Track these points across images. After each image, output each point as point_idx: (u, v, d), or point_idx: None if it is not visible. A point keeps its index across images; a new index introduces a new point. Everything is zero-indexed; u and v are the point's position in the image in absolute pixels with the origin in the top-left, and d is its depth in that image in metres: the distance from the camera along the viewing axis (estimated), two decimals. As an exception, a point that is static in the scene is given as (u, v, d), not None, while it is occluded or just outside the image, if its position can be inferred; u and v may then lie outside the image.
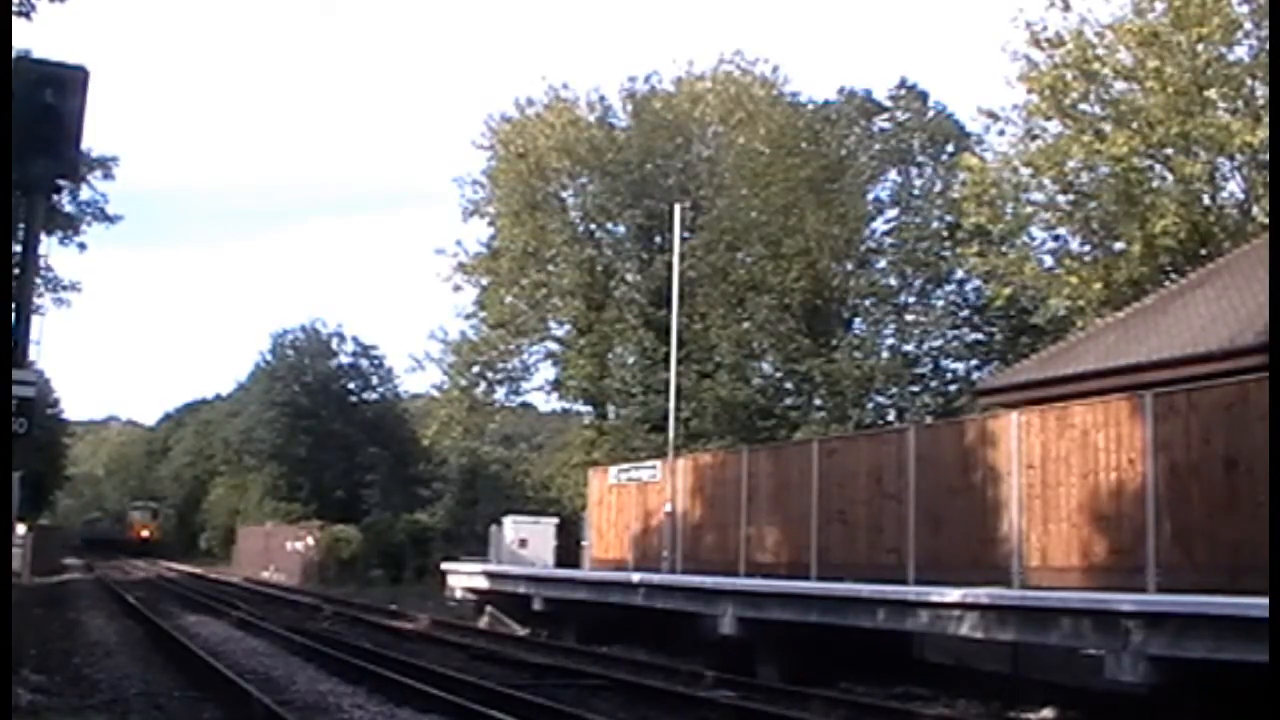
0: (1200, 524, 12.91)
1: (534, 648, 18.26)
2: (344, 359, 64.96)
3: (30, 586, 27.41)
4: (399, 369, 63.54)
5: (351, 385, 64.40)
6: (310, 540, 44.86)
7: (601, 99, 42.02)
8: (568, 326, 41.54)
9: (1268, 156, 24.48)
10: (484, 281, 42.62)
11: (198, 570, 49.09)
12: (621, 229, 40.95)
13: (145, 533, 79.85)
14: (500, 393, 43.51)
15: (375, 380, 64.92)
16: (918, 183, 37.07)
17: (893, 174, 37.57)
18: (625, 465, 26.87)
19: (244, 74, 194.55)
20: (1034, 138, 29.40)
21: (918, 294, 36.28)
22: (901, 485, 17.05)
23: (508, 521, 29.82)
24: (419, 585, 33.89)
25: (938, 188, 35.84)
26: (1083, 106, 28.12)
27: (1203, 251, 25.55)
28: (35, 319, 10.49)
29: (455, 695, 10.60)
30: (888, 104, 37.78)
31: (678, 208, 29.54)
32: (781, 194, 35.04)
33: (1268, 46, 24.88)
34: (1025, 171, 29.30)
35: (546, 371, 42.94)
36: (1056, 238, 30.65)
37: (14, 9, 16.94)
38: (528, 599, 21.31)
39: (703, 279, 35.32)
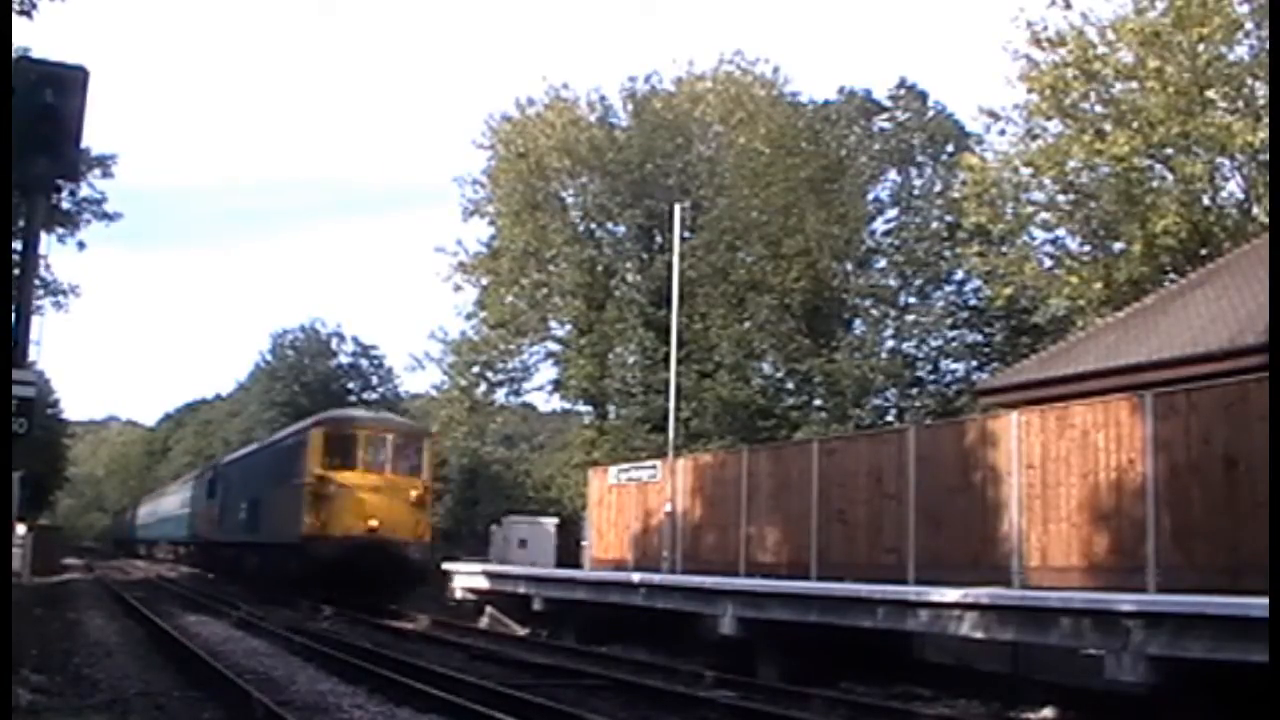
0: (1200, 524, 12.91)
1: (534, 648, 18.25)
2: (344, 359, 64.96)
3: (30, 586, 27.38)
4: (399, 369, 63.60)
5: (351, 385, 64.32)
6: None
7: (602, 99, 42.08)
8: (568, 326, 41.53)
9: (1268, 156, 24.49)
10: (484, 281, 42.63)
11: (196, 569, 48.96)
12: (622, 229, 40.96)
13: (374, 520, 24.25)
14: (501, 393, 43.53)
15: (375, 380, 64.92)
16: (918, 183, 37.08)
17: (893, 174, 37.60)
18: (625, 465, 26.89)
19: (244, 74, 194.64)
20: (1034, 137, 29.42)
21: (918, 294, 36.28)
22: (901, 485, 17.06)
23: (508, 521, 29.83)
24: (419, 585, 33.81)
25: (938, 188, 35.86)
26: (1083, 106, 28.13)
27: (1203, 251, 25.57)
28: (35, 319, 10.48)
29: (455, 695, 10.59)
30: (888, 104, 37.81)
31: (678, 208, 29.55)
32: (781, 194, 35.04)
33: (1268, 46, 24.90)
34: (1025, 171, 29.32)
35: (547, 371, 42.98)
36: (1056, 238, 30.69)
37: (14, 8, 16.95)
38: (528, 599, 21.29)
39: (703, 279, 35.31)
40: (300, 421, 30.81)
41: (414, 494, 24.83)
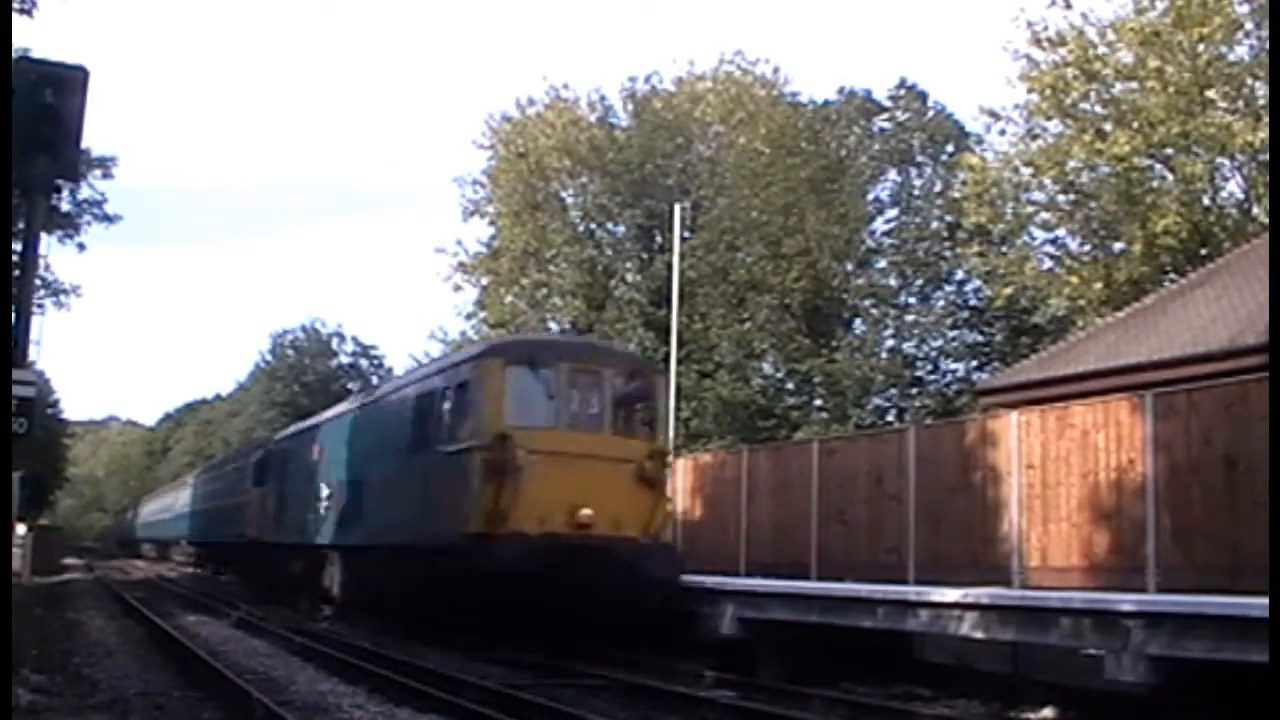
0: (1200, 524, 12.90)
1: (533, 648, 18.23)
2: (344, 359, 65.33)
3: (30, 586, 27.38)
4: (399, 369, 63.65)
5: (352, 385, 64.48)
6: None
7: (602, 99, 42.15)
8: (568, 326, 41.55)
9: (1268, 156, 24.51)
10: (484, 281, 42.70)
11: (197, 569, 48.95)
12: (621, 229, 41.00)
13: (588, 508, 15.05)
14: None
15: (375, 380, 65.05)
16: (918, 183, 37.09)
17: (893, 174, 37.61)
18: (625, 465, 26.78)
19: (244, 74, 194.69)
20: (1035, 137, 29.48)
21: (918, 294, 36.30)
22: (901, 485, 17.05)
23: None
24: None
25: (938, 188, 35.87)
26: (1083, 106, 28.18)
27: (1203, 251, 25.61)
28: (35, 319, 10.50)
29: (455, 695, 10.60)
30: (887, 104, 37.83)
31: (678, 208, 29.56)
32: (781, 194, 35.06)
33: (1268, 46, 24.92)
34: (1026, 171, 29.37)
35: (547, 372, 42.87)
36: (1057, 238, 30.73)
37: (15, 7, 16.98)
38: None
39: (703, 279, 35.32)
40: (451, 353, 19.23)
41: (645, 465, 15.98)
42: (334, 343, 65.41)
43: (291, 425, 32.38)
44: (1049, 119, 28.79)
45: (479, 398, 15.69)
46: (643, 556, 15.31)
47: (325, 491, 22.66)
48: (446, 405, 16.80)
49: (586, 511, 15.04)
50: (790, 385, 36.25)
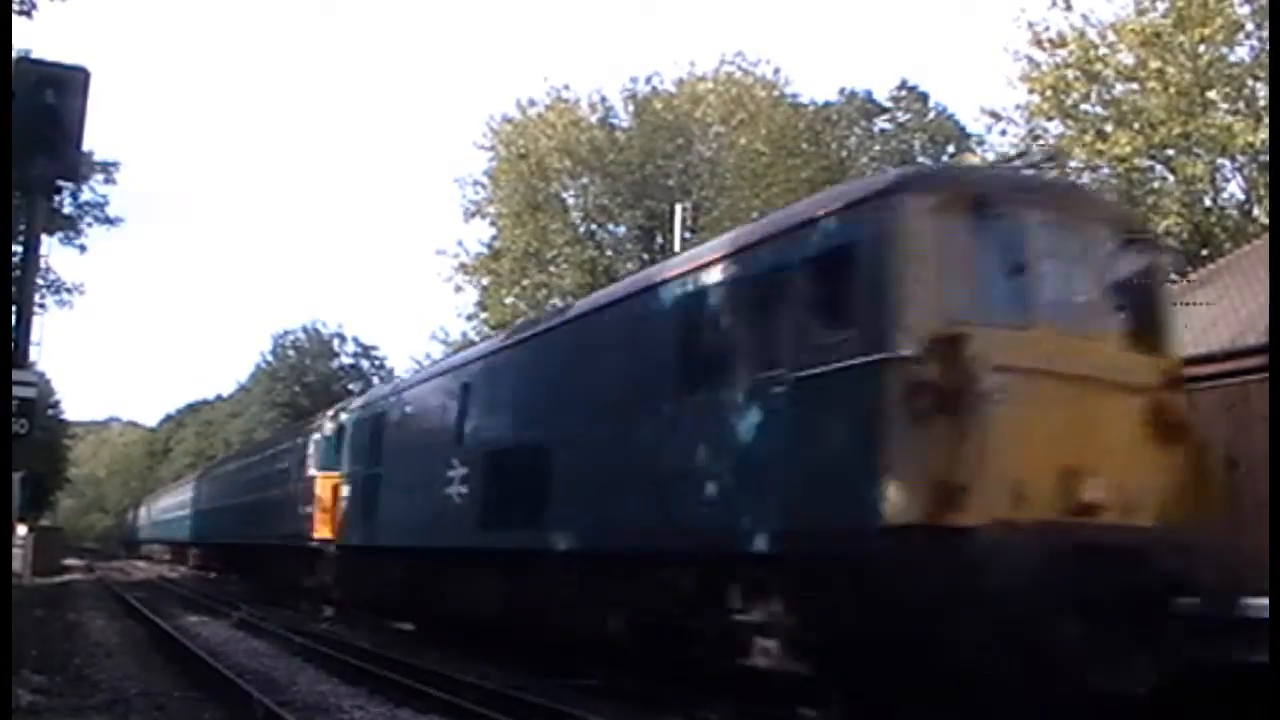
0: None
1: (533, 648, 18.20)
2: (345, 360, 65.34)
3: (31, 587, 27.40)
4: (400, 370, 63.66)
5: (353, 386, 64.54)
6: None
7: (603, 100, 42.13)
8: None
9: (1269, 157, 24.51)
10: (485, 282, 42.70)
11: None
12: (622, 229, 41.02)
13: (1096, 484, 8.22)
14: (502, 394, 43.43)
15: (377, 381, 65.11)
16: (919, 184, 37.15)
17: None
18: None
19: (246, 74, 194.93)
20: (1036, 138, 29.45)
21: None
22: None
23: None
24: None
25: (939, 189, 35.93)
26: (1084, 107, 28.17)
27: (1204, 252, 25.59)
28: (36, 319, 10.52)
29: (455, 695, 10.60)
30: (888, 105, 37.95)
31: (679, 208, 29.59)
32: (782, 195, 35.04)
33: (1268, 47, 24.92)
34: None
35: (549, 372, 42.88)
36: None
37: (15, 7, 17.01)
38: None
39: (704, 280, 35.30)
40: (828, 190, 12.22)
41: (1165, 399, 9.49)
42: (335, 343, 65.62)
43: (382, 386, 23.95)
44: (1050, 120, 28.79)
45: (890, 270, 8.43)
46: (1193, 565, 8.92)
47: (460, 471, 15.57)
48: (796, 293, 9.19)
49: (1095, 483, 8.44)
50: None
